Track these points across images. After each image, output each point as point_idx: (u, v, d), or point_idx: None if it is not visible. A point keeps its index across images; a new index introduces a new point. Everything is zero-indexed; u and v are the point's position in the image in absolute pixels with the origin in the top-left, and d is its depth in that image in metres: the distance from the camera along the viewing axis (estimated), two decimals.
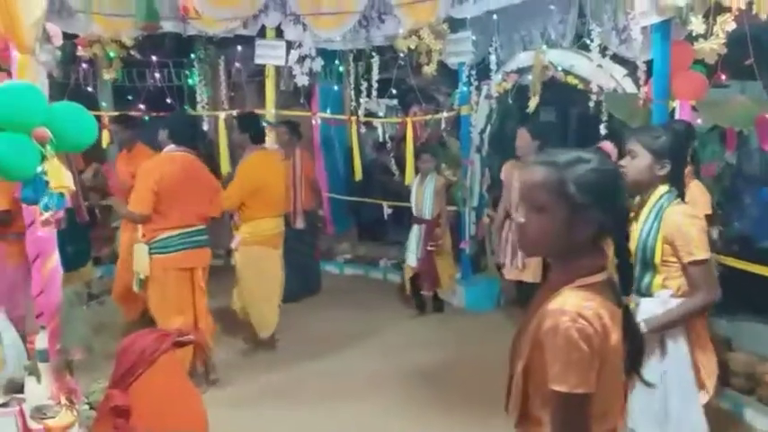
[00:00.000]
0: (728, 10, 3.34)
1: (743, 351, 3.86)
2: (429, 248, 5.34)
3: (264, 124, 6.21)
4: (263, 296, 4.63)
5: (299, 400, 3.96)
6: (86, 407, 2.73)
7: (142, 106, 6.55)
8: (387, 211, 6.66)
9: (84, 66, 6.28)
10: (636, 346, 1.41)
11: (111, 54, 6.05)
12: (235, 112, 6.56)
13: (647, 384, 1.49)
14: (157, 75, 6.60)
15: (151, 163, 3.91)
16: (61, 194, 2.55)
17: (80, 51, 5.91)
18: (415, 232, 5.46)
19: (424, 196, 5.40)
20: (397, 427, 3.63)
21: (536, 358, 1.34)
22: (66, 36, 5.70)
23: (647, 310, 2.38)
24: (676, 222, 2.28)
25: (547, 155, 1.43)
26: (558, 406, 1.30)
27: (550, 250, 1.43)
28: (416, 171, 5.68)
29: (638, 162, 2.38)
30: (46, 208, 2.44)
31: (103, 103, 6.73)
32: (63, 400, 2.50)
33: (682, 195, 2.40)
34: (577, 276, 1.35)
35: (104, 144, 6.27)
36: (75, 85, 6.18)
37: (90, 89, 6.47)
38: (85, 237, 4.79)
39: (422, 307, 5.61)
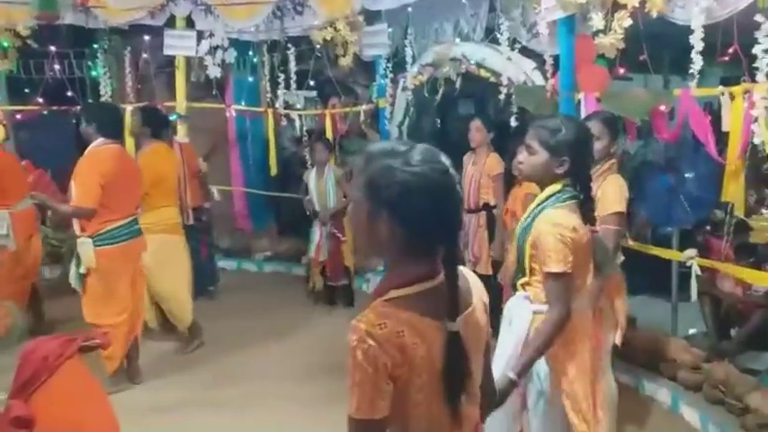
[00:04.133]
0: (625, 7, 3.53)
1: (645, 329, 4.10)
2: (341, 240, 5.36)
3: (174, 117, 6.01)
4: (176, 284, 4.57)
5: (223, 403, 3.85)
6: None
7: (40, 99, 6.17)
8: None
9: None
10: (453, 374, 1.26)
11: (5, 44, 5.69)
12: (143, 106, 6.31)
13: (454, 417, 1.30)
14: (57, 66, 6.21)
15: (92, 158, 3.80)
16: None
17: None
18: (318, 225, 5.47)
19: (326, 188, 5.42)
20: (325, 421, 3.59)
21: None
22: None
23: (511, 305, 2.33)
24: (538, 229, 2.14)
25: (376, 143, 1.33)
26: (348, 428, 1.23)
27: (366, 248, 1.33)
28: (312, 163, 5.67)
29: (534, 159, 2.23)
30: None
31: None
32: None
33: (585, 194, 2.23)
34: (393, 286, 1.25)
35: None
36: None
37: None
38: None
39: (332, 300, 5.61)
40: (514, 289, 2.35)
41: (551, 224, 2.12)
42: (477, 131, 4.51)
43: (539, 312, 2.20)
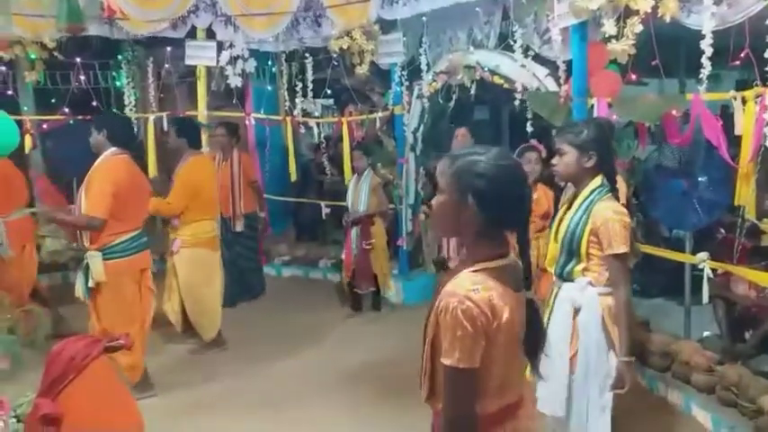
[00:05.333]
0: (637, 13, 3.56)
1: (659, 331, 4.11)
2: (365, 247, 5.41)
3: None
4: (210, 298, 4.61)
5: (245, 405, 3.92)
6: (14, 420, 2.65)
7: (66, 109, 6.35)
8: (325, 210, 6.69)
9: (2, 68, 6.03)
10: (534, 335, 1.53)
11: (33, 56, 5.86)
12: (165, 115, 6.45)
13: (538, 376, 1.58)
14: (82, 77, 6.38)
15: (105, 167, 3.77)
16: None
17: None
18: (355, 231, 5.52)
19: (359, 194, 5.47)
20: (346, 425, 3.66)
21: (437, 336, 1.46)
22: None
23: (568, 293, 2.54)
24: (604, 217, 2.42)
25: (457, 149, 1.59)
26: (446, 378, 1.44)
27: (448, 230, 1.61)
28: (353, 171, 5.75)
29: (566, 158, 2.54)
30: None
31: (25, 107, 6.47)
32: None
33: (613, 187, 2.51)
34: (476, 261, 1.48)
35: (27, 149, 6.04)
36: None
37: (10, 92, 6.22)
38: None
39: (358, 306, 5.65)
40: (562, 277, 2.58)
41: (614, 212, 2.43)
42: (462, 138, 4.81)
43: (603, 294, 2.49)
